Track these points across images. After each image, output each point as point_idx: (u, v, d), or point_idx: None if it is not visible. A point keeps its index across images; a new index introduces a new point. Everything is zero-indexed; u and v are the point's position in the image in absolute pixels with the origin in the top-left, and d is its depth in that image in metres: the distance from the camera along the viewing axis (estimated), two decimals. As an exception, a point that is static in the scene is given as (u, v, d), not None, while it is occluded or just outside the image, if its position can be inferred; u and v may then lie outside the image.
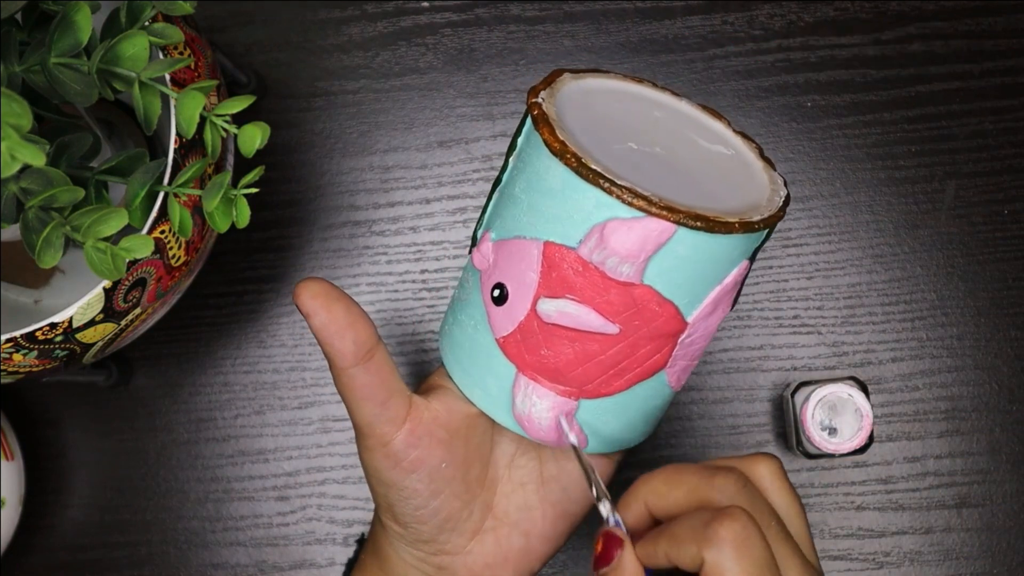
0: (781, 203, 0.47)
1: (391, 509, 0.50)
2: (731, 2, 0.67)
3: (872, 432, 0.59)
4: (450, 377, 0.50)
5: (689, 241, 0.44)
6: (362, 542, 0.65)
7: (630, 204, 0.43)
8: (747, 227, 0.44)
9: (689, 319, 0.46)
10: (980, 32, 0.67)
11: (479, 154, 0.68)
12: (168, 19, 0.48)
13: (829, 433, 0.59)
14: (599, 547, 0.44)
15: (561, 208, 0.44)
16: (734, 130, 0.51)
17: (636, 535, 0.43)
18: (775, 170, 0.49)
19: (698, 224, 0.43)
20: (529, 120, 0.46)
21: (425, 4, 0.68)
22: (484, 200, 0.67)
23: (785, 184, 0.48)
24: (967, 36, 0.67)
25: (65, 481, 0.68)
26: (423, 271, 0.68)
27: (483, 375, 0.48)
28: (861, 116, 0.67)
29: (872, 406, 0.59)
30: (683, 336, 0.46)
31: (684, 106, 0.51)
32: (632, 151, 0.46)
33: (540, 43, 0.68)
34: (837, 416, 0.59)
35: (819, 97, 0.67)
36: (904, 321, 0.66)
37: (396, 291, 0.68)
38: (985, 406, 0.66)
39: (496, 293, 0.47)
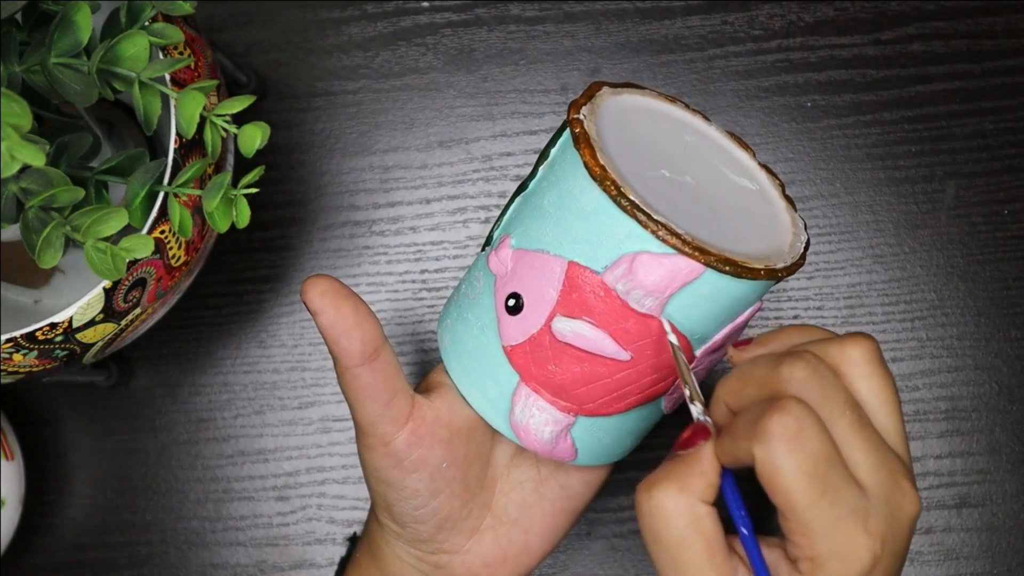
0: (802, 249, 0.47)
1: (389, 508, 0.49)
2: (731, 2, 0.67)
3: (872, 432, 0.59)
4: (447, 372, 0.50)
5: (714, 282, 0.44)
6: (354, 540, 0.65)
7: (664, 240, 0.43)
8: (771, 274, 0.44)
9: (697, 353, 0.46)
10: (980, 32, 0.67)
11: (479, 154, 0.68)
12: (168, 19, 0.48)
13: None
14: (686, 434, 0.41)
15: (591, 232, 0.44)
16: (759, 163, 0.51)
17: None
18: (796, 211, 0.50)
19: (726, 268, 0.43)
20: (567, 135, 0.46)
21: (425, 4, 0.68)
22: (484, 200, 0.68)
23: (805, 227, 0.49)
24: (967, 36, 0.67)
25: (65, 481, 0.68)
26: (423, 271, 0.68)
27: (483, 378, 0.48)
28: (861, 116, 0.67)
29: (872, 406, 0.59)
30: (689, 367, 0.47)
31: (713, 132, 0.51)
32: (664, 179, 0.46)
33: (540, 43, 0.68)
34: (837, 416, 0.59)
35: (819, 97, 0.67)
36: (904, 321, 0.66)
37: (396, 291, 0.68)
38: (985, 406, 0.66)
39: (511, 303, 0.47)
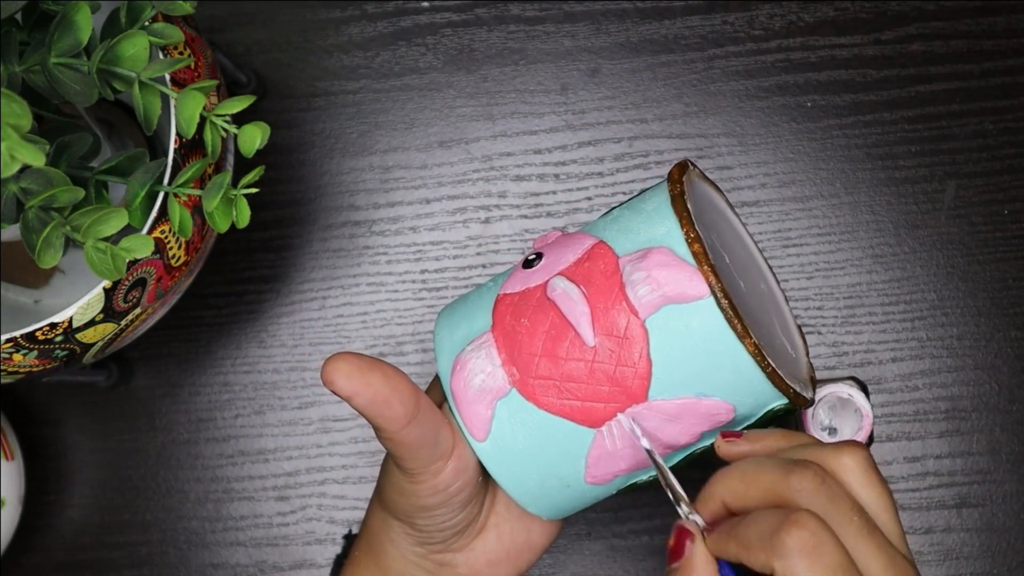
0: (811, 395, 0.46)
1: (411, 520, 0.49)
2: (731, 2, 0.67)
3: (872, 432, 0.59)
4: (434, 331, 0.49)
5: (708, 317, 0.43)
6: (349, 538, 0.65)
7: (688, 245, 0.44)
8: (760, 358, 0.43)
9: (650, 397, 0.45)
10: (980, 32, 0.67)
11: (479, 154, 0.68)
12: (168, 19, 0.48)
13: (829, 433, 0.59)
14: (672, 541, 0.42)
15: (638, 222, 0.46)
16: (788, 304, 0.52)
17: (714, 526, 0.42)
18: (808, 357, 0.50)
19: (724, 303, 0.43)
20: (664, 187, 0.47)
21: (425, 4, 0.68)
22: (484, 200, 0.68)
23: (812, 367, 0.49)
24: (967, 36, 0.67)
25: (65, 481, 0.68)
26: (423, 271, 0.68)
27: (460, 321, 0.48)
28: (861, 116, 0.67)
29: (872, 406, 0.59)
30: (634, 408, 0.45)
31: (762, 262, 0.51)
32: (725, 264, 0.46)
33: (540, 43, 0.68)
34: (837, 416, 0.59)
35: (819, 97, 0.67)
36: (904, 321, 0.66)
37: (396, 291, 0.68)
38: (985, 406, 0.66)
39: (532, 258, 0.48)
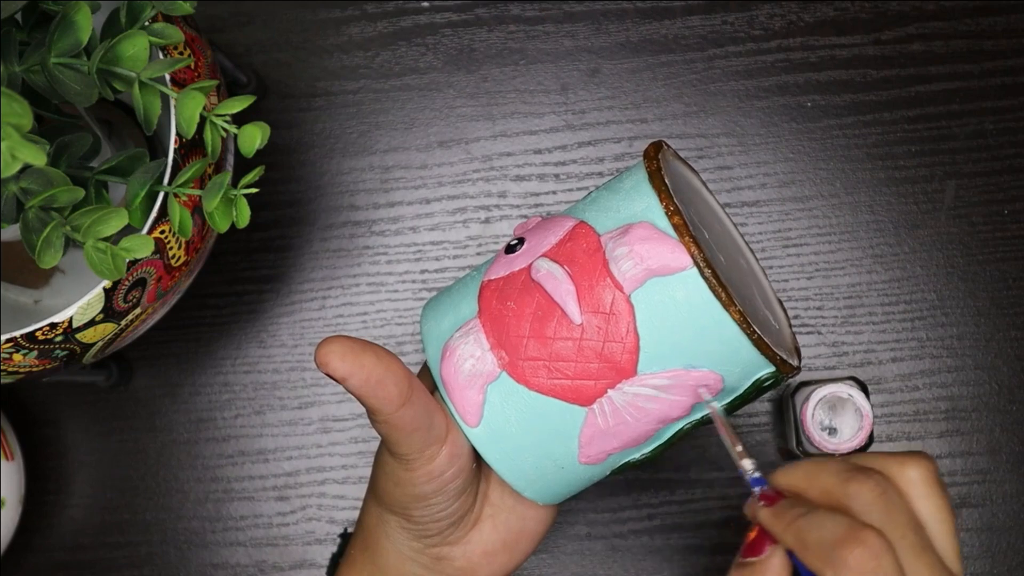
0: (796, 363, 0.47)
1: (407, 512, 0.49)
2: (731, 2, 0.67)
3: (872, 432, 0.59)
4: (421, 320, 0.50)
5: (691, 289, 0.43)
6: (345, 537, 0.65)
7: (669, 218, 0.44)
8: (746, 325, 0.43)
9: (639, 371, 0.45)
10: (980, 32, 0.67)
11: (479, 154, 0.68)
12: (168, 19, 0.48)
13: (829, 433, 0.59)
14: (752, 535, 0.42)
15: (617, 201, 0.46)
16: (767, 279, 0.52)
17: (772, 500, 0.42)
18: (791, 329, 0.50)
19: (707, 272, 0.43)
20: (641, 165, 0.47)
21: (425, 4, 0.68)
22: (484, 200, 0.68)
23: (795, 338, 0.49)
24: (967, 36, 0.67)
25: (65, 481, 0.68)
26: (423, 271, 0.68)
27: (447, 311, 0.48)
28: (861, 116, 0.67)
29: (872, 406, 0.59)
30: (624, 384, 0.45)
31: (739, 239, 0.52)
32: (704, 239, 0.47)
33: (540, 43, 0.68)
34: (837, 416, 0.59)
35: (819, 97, 0.67)
36: (904, 321, 0.66)
37: (396, 291, 0.68)
38: (985, 406, 0.66)
39: (514, 243, 0.48)
